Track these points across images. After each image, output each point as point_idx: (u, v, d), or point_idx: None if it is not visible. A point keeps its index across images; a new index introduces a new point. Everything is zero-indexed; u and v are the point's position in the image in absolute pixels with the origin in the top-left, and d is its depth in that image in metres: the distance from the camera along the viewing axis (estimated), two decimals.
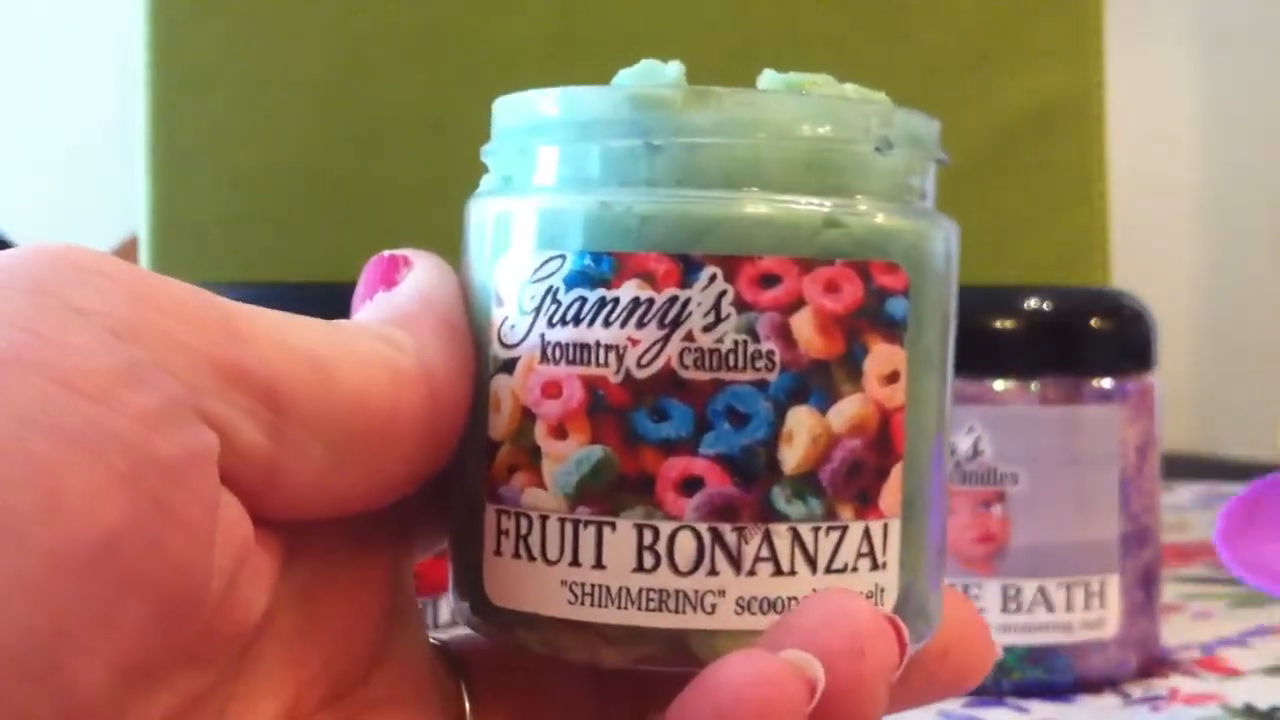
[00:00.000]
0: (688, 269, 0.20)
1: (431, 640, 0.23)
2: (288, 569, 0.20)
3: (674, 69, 0.22)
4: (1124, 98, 0.56)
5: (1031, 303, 0.41)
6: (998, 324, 0.41)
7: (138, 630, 0.16)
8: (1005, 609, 0.39)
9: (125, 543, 0.16)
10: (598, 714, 0.23)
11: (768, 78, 0.22)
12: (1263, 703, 0.37)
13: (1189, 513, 0.74)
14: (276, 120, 0.48)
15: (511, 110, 0.23)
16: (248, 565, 0.18)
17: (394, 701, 0.21)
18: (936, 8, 0.50)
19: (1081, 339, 0.41)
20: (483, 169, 0.24)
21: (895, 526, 0.20)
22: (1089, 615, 0.39)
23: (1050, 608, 0.39)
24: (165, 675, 0.17)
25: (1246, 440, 1.00)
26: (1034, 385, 0.39)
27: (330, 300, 0.38)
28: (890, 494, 0.20)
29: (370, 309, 0.22)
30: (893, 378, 0.20)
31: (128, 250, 0.83)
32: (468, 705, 0.22)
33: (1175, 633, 0.45)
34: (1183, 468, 0.85)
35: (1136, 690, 0.39)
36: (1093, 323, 0.41)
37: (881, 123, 0.21)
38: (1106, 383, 0.40)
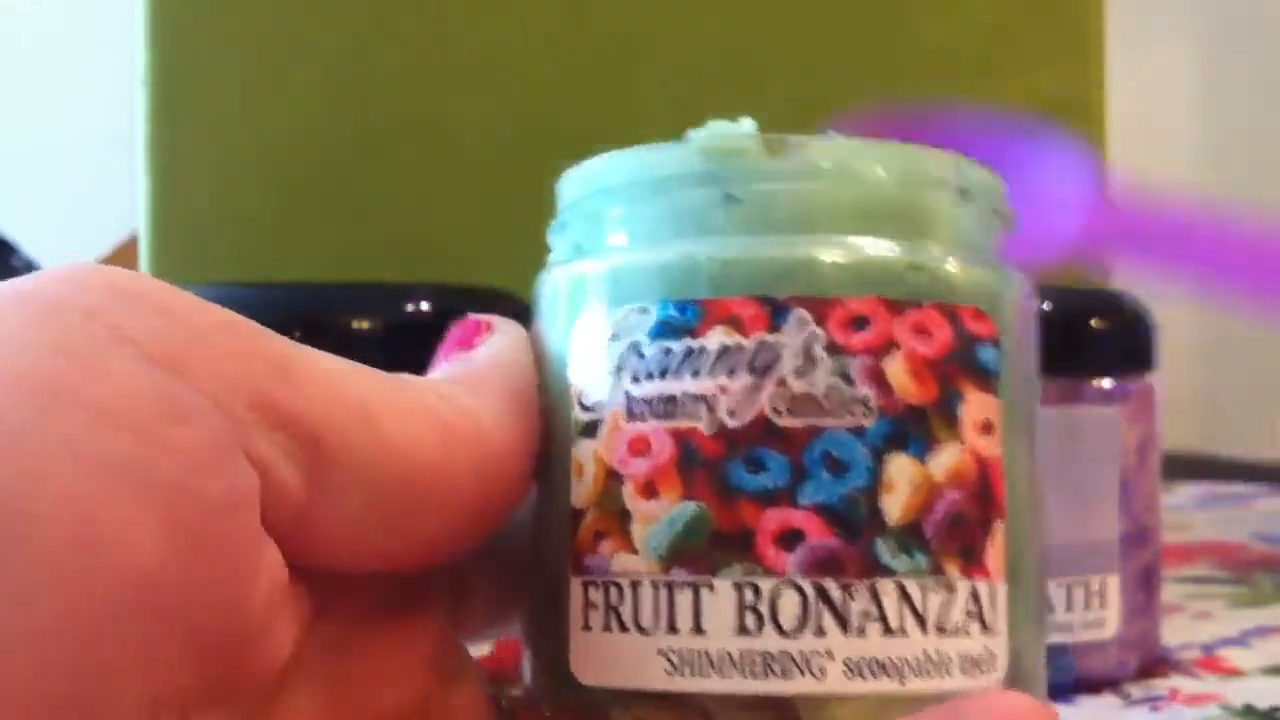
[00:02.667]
0: (775, 312, 0.19)
1: (486, 691, 0.22)
2: (322, 617, 0.19)
3: (747, 124, 0.21)
4: (1124, 98, 0.56)
5: None
6: None
7: (172, 668, 0.16)
8: None
9: (164, 582, 0.16)
10: None
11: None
12: (1263, 703, 0.37)
13: (1189, 513, 0.74)
14: (277, 120, 0.48)
15: (579, 180, 0.22)
16: (282, 608, 0.18)
17: None
18: (938, 9, 0.50)
19: (1081, 339, 0.41)
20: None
21: (1001, 588, 0.20)
22: (1089, 615, 0.39)
23: (1050, 608, 0.39)
24: (195, 712, 0.17)
25: (1246, 440, 1.00)
26: None
27: (330, 300, 0.38)
28: (995, 552, 0.20)
29: (442, 368, 0.22)
30: (988, 428, 0.20)
31: (128, 250, 0.83)
32: None
33: (1175, 633, 0.45)
34: (1183, 468, 0.85)
35: (1136, 690, 0.39)
36: (1093, 323, 0.41)
37: (957, 174, 0.21)
38: (1106, 383, 0.40)
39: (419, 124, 0.48)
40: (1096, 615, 0.39)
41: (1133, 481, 0.40)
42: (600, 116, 0.48)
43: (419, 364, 0.37)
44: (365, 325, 0.36)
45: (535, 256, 0.48)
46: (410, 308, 0.37)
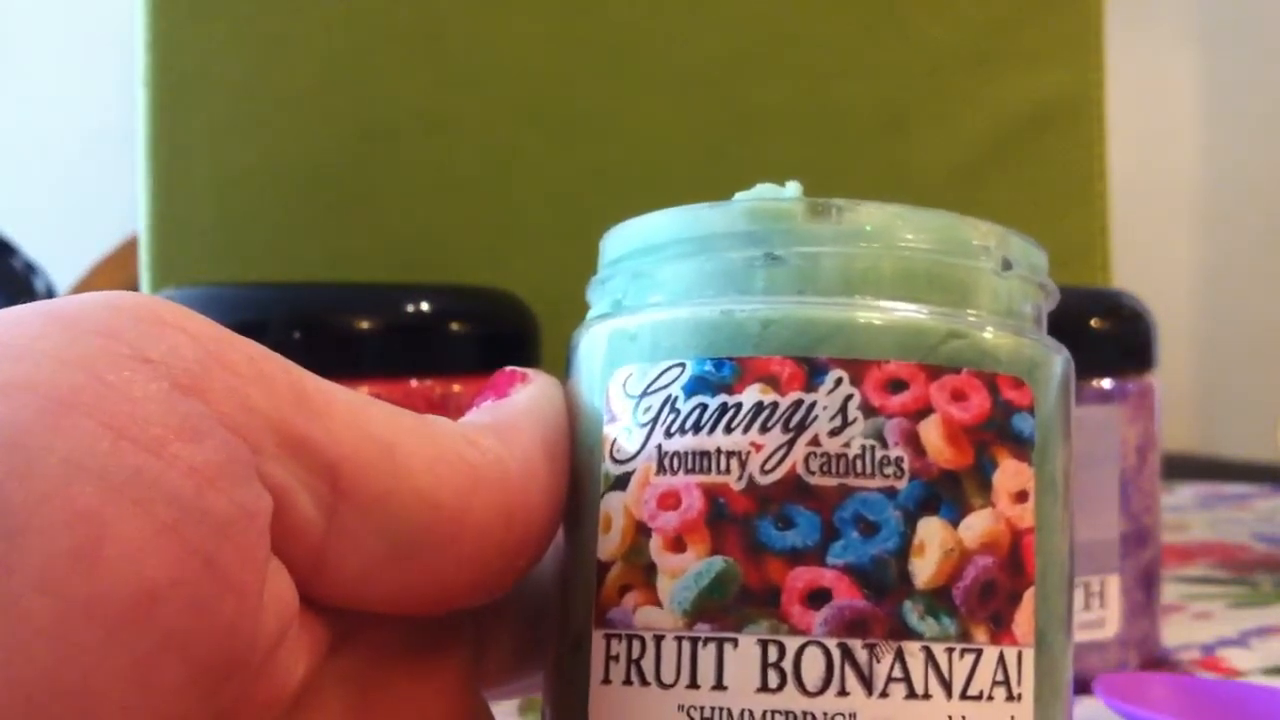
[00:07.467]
0: (812, 372, 0.19)
1: None
2: (341, 649, 0.19)
3: (792, 188, 0.22)
4: (1124, 98, 0.56)
5: None
6: None
7: (175, 692, 0.16)
8: None
9: (167, 598, 0.15)
10: None
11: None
12: None
13: (1189, 513, 0.74)
14: (276, 120, 0.48)
15: (623, 237, 0.22)
16: (290, 635, 0.18)
17: None
18: (936, 8, 0.50)
19: (1081, 339, 0.41)
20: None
21: (1030, 656, 0.19)
22: (1089, 615, 0.39)
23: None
24: None
25: (1246, 440, 1.00)
26: None
27: (330, 300, 0.38)
28: (1024, 620, 0.19)
29: (474, 413, 0.21)
30: (1022, 496, 0.20)
31: (128, 250, 0.83)
32: None
33: (1175, 633, 0.45)
34: (1183, 468, 0.85)
35: None
36: (1093, 323, 0.41)
37: (999, 244, 0.21)
38: (1106, 383, 0.40)
39: (418, 124, 0.48)
40: (1096, 615, 0.39)
41: (1133, 481, 0.40)
42: (600, 117, 0.48)
43: (418, 364, 0.37)
44: (365, 325, 0.36)
45: (535, 256, 0.48)
46: (410, 308, 0.37)
